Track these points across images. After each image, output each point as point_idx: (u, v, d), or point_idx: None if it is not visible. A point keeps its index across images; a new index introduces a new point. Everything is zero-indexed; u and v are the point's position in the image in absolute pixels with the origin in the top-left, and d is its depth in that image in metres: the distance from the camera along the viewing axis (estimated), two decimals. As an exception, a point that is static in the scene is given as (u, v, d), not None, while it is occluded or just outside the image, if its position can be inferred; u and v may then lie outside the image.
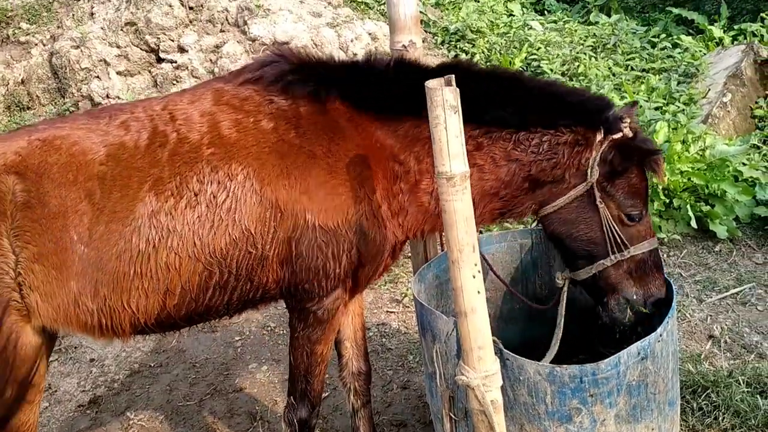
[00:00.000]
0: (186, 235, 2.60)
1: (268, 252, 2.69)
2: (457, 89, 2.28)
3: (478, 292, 2.40)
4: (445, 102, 2.27)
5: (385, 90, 2.83)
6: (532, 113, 2.78)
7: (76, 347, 4.94)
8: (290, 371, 3.03)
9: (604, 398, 2.63)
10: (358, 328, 3.39)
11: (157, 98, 3.01)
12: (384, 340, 4.64)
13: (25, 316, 2.61)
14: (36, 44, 6.67)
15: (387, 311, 4.98)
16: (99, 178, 2.60)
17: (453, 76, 2.32)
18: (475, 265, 2.38)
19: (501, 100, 2.78)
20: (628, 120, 2.80)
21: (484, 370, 2.45)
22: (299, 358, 2.96)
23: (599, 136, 2.78)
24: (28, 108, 6.46)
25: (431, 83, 2.29)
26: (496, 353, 2.52)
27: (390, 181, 2.82)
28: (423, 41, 3.29)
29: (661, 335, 2.67)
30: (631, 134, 2.79)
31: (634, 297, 2.93)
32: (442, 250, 3.65)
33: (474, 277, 2.38)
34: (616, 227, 2.84)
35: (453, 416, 2.96)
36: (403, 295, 5.08)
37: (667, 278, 3.08)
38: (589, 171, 2.80)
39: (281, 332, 4.81)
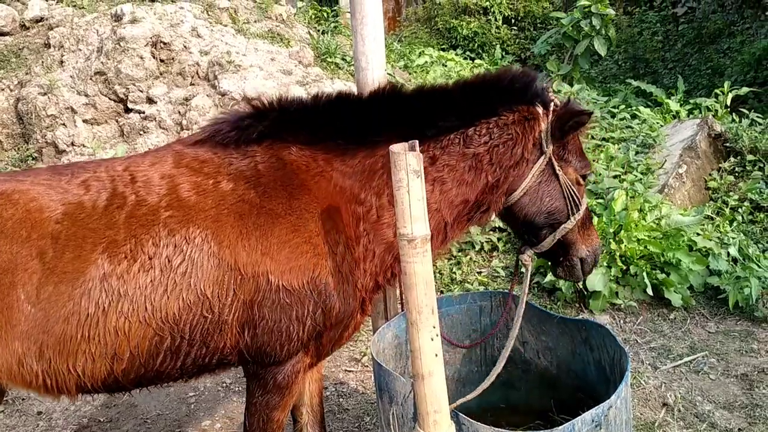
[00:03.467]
0: (137, 299, 2.52)
1: (227, 316, 2.62)
2: (421, 155, 2.33)
3: (436, 355, 2.41)
4: (408, 166, 2.32)
5: (333, 125, 2.84)
6: (471, 108, 2.82)
7: (23, 399, 4.77)
8: None
9: (559, 465, 2.63)
10: (315, 393, 3.32)
11: (121, 158, 2.96)
12: (341, 399, 4.58)
13: None
14: (2, 89, 6.63)
15: (345, 370, 4.93)
16: (53, 237, 2.54)
17: (417, 141, 2.39)
18: (434, 327, 2.40)
19: (440, 110, 2.82)
20: (551, 92, 2.92)
21: (439, 434, 2.44)
22: (255, 424, 2.88)
23: (541, 109, 2.85)
24: (-10, 152, 6.38)
25: (395, 147, 2.34)
26: (452, 417, 2.52)
27: (353, 226, 2.79)
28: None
29: (614, 403, 2.70)
30: (560, 102, 2.89)
31: (586, 251, 3.07)
32: (402, 310, 3.66)
33: (432, 339, 2.40)
34: (575, 189, 2.95)
35: (408, 481, 2.93)
36: (362, 353, 5.04)
37: (622, 345, 3.14)
38: (544, 143, 2.86)
39: (237, 389, 4.71)
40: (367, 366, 4.94)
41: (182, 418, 4.50)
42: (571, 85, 10.56)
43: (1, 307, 2.46)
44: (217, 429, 4.35)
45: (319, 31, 9.77)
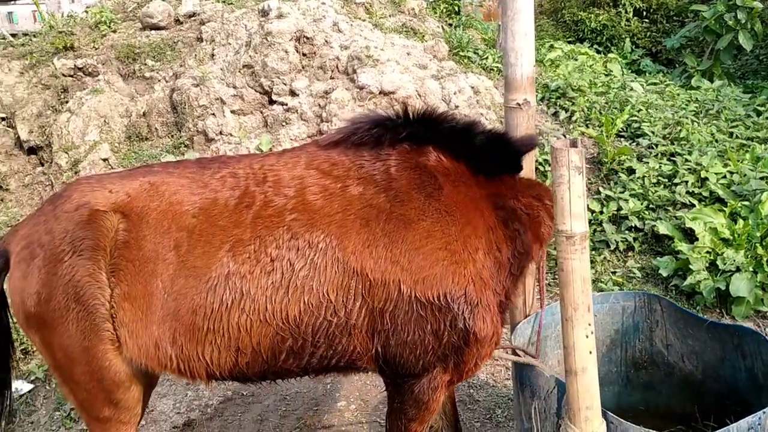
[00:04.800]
0: (258, 299, 2.58)
1: (354, 321, 2.60)
2: (582, 150, 2.35)
3: (590, 352, 2.42)
4: (570, 162, 2.34)
5: (480, 154, 2.83)
6: None
7: (173, 370, 5.15)
8: None
9: (711, 471, 2.58)
10: (446, 399, 3.31)
11: (262, 154, 3.03)
12: (472, 391, 4.63)
13: (117, 346, 2.72)
14: (159, 80, 7.13)
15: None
16: (188, 230, 2.66)
17: (578, 138, 2.40)
18: (589, 324, 2.41)
19: None
20: None
21: (590, 430, 2.45)
22: (393, 429, 2.90)
23: None
24: (147, 139, 6.87)
25: (557, 144, 2.36)
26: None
27: (500, 229, 2.76)
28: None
29: (773, 412, 2.61)
30: None
31: None
32: (541, 307, 3.66)
33: (587, 336, 2.41)
34: None
35: (548, 474, 2.94)
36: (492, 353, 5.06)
37: None
38: None
39: (373, 376, 4.87)
40: (497, 360, 4.96)
41: (319, 396, 4.71)
42: (711, 81, 10.08)
43: (144, 293, 2.63)
44: (351, 410, 4.52)
45: (450, 25, 9.83)
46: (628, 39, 13.90)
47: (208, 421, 4.56)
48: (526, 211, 2.83)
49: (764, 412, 2.60)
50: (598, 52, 13.00)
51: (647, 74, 11.25)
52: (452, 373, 2.73)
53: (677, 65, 12.60)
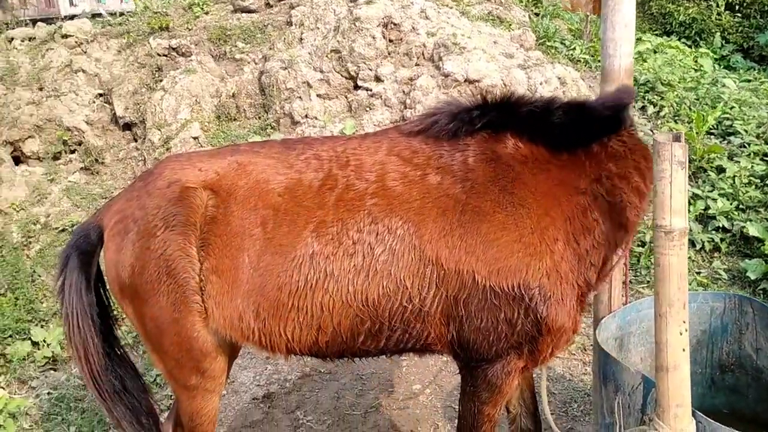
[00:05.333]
0: (341, 280, 2.66)
1: (428, 308, 2.66)
2: (686, 145, 2.31)
3: (683, 349, 2.40)
4: (673, 157, 2.31)
5: (559, 131, 2.75)
6: None
7: (254, 343, 5.32)
8: (458, 418, 3.00)
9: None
10: (525, 386, 3.33)
11: (345, 137, 3.08)
12: (548, 384, 4.62)
13: (205, 317, 2.83)
14: (248, 62, 7.32)
15: (551, 356, 4.96)
16: (274, 208, 2.75)
17: (682, 132, 2.36)
18: (684, 322, 2.38)
19: None
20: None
21: (679, 428, 2.43)
22: (466, 412, 2.91)
23: None
24: (235, 119, 7.07)
25: (660, 137, 2.34)
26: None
27: (579, 218, 2.69)
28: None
29: None
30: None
31: None
32: (625, 303, 3.62)
33: (681, 334, 2.38)
34: None
35: (629, 470, 2.92)
36: (570, 341, 5.03)
37: None
38: None
39: (447, 359, 4.92)
40: (574, 354, 4.93)
41: (394, 378, 4.79)
42: (808, 80, 9.62)
43: (231, 266, 2.74)
44: (426, 394, 4.58)
45: (536, 14, 9.71)
46: (718, 33, 13.38)
47: (286, 395, 4.70)
48: (608, 198, 2.72)
49: None
50: (687, 46, 12.57)
51: (739, 71, 10.82)
52: (527, 360, 2.75)
53: (769, 61, 12.09)
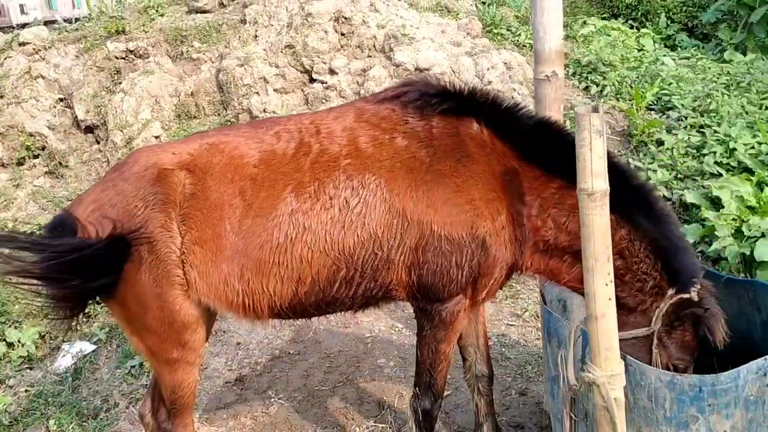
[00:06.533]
0: (319, 232, 2.92)
1: (394, 256, 2.97)
2: (603, 115, 2.59)
3: (609, 299, 2.66)
4: (591, 126, 2.57)
5: (525, 139, 3.05)
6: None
7: (224, 331, 5.51)
8: (417, 365, 3.31)
9: (722, 409, 2.75)
10: (480, 334, 3.65)
11: (307, 113, 3.37)
12: (504, 349, 4.92)
13: (186, 290, 3.01)
14: (206, 61, 7.48)
15: (507, 324, 5.26)
16: (251, 178, 2.98)
17: (599, 104, 2.63)
18: (608, 274, 2.65)
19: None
20: (699, 286, 2.90)
21: (609, 369, 2.69)
22: (425, 354, 3.24)
23: (671, 291, 2.91)
24: (195, 117, 7.24)
25: (580, 110, 2.61)
26: (621, 358, 2.76)
27: (528, 205, 3.03)
28: (555, 73, 3.60)
29: (781, 354, 2.81)
30: (696, 298, 2.88)
31: None
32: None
33: (606, 285, 2.64)
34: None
35: (573, 416, 3.16)
36: (524, 310, 5.34)
37: None
38: (654, 319, 2.94)
39: (408, 333, 5.19)
40: (528, 321, 5.24)
41: (360, 355, 5.03)
42: (744, 54, 10.08)
43: (213, 235, 2.94)
44: (391, 366, 4.84)
45: (483, 3, 9.99)
46: (663, 14, 13.81)
47: (257, 377, 4.91)
48: (529, 224, 3.03)
49: (774, 356, 2.81)
50: (633, 27, 12.98)
51: (681, 49, 11.27)
52: (470, 299, 3.13)
53: (712, 40, 12.55)
